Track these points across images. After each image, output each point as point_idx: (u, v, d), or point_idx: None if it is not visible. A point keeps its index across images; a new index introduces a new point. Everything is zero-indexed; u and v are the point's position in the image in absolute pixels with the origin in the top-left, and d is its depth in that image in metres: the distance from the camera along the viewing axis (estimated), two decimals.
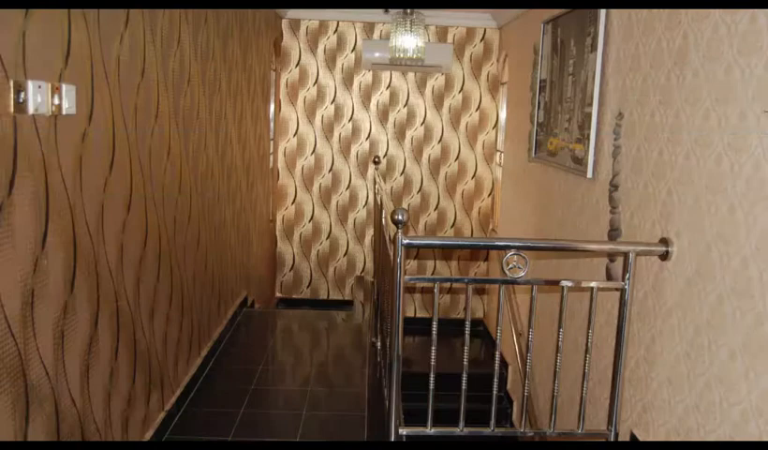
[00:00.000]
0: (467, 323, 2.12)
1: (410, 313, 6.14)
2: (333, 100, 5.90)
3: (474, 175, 6.02)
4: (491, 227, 6.01)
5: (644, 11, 2.33)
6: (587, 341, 2.15)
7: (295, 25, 5.77)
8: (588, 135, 2.76)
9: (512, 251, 1.98)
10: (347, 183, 6.04)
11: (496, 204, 5.76)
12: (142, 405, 2.57)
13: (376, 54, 5.71)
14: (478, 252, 6.03)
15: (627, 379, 2.27)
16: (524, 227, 4.24)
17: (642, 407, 2.20)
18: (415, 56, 4.86)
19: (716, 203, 1.81)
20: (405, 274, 1.99)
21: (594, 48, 2.74)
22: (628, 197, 2.40)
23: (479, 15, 5.65)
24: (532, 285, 2.10)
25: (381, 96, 5.91)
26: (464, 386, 2.14)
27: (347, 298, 6.14)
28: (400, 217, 1.91)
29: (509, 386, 4.53)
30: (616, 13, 2.59)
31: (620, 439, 2.22)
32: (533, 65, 3.91)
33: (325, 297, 6.19)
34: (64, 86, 1.81)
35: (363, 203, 6.07)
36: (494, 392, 2.19)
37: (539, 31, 3.73)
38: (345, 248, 6.15)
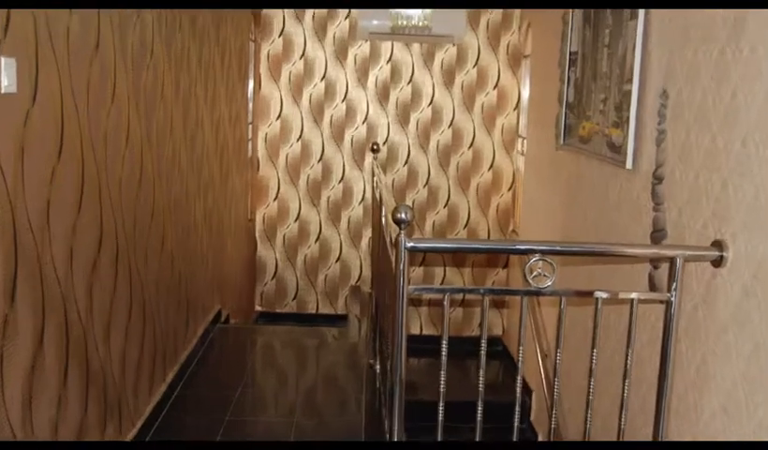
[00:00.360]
0: (483, 342, 2.11)
1: (415, 330, 6.14)
2: (324, 77, 5.90)
3: (491, 166, 6.02)
4: (511, 227, 6.01)
5: None
6: (626, 363, 2.14)
7: None
8: (627, 118, 2.76)
9: (537, 256, 1.98)
10: (339, 175, 6.04)
11: (518, 201, 5.76)
12: (96, 439, 2.57)
13: (375, 22, 5.71)
14: (496, 258, 6.03)
15: (673, 408, 2.27)
16: (551, 227, 4.24)
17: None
18: (421, 24, 4.87)
19: None
20: (409, 283, 1.99)
21: (634, 15, 2.74)
22: (675, 191, 2.40)
23: None
24: (560, 297, 2.10)
25: (381, 71, 5.91)
26: (479, 417, 2.14)
27: (339, 312, 6.14)
28: (403, 216, 1.91)
29: (532, 417, 4.53)
30: None
31: None
32: (561, 34, 3.91)
33: (314, 311, 6.19)
34: (2, 60, 1.81)
35: (360, 200, 6.07)
36: (516, 423, 2.19)
37: None
38: (337, 253, 6.15)
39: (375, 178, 4.39)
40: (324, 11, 5.79)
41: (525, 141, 5.44)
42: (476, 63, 5.89)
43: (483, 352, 2.12)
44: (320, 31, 5.84)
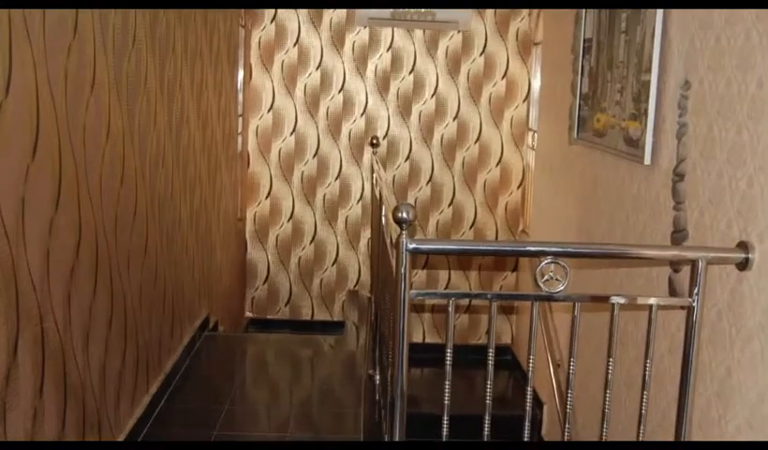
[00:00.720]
0: (491, 351, 2.11)
1: (418, 338, 6.15)
2: (319, 65, 5.90)
3: (499, 162, 6.02)
4: (521, 228, 6.01)
5: None
6: (644, 374, 2.14)
7: None
8: (646, 110, 2.77)
9: (548, 259, 1.98)
10: (336, 171, 6.04)
11: (528, 199, 5.77)
12: None
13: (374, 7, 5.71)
14: (504, 260, 6.03)
15: (695, 422, 2.27)
16: (563, 227, 4.24)
17: None
18: (423, 9, 4.87)
19: None
20: (410, 288, 1.99)
21: None
22: (697, 189, 2.40)
23: None
24: (574, 302, 2.10)
25: (380, 59, 5.91)
26: (486, 431, 2.14)
27: (336, 319, 6.14)
28: (405, 215, 1.91)
29: (543, 431, 4.53)
30: None
31: None
32: (575, 20, 3.91)
33: (308, 318, 6.19)
34: None
35: (358, 198, 6.07)
36: (526, 438, 2.19)
37: None
38: (334, 255, 6.15)
39: (374, 175, 4.39)
40: None
41: (536, 134, 5.44)
42: (483, 51, 5.89)
43: (491, 362, 2.12)
44: (316, 17, 5.84)
